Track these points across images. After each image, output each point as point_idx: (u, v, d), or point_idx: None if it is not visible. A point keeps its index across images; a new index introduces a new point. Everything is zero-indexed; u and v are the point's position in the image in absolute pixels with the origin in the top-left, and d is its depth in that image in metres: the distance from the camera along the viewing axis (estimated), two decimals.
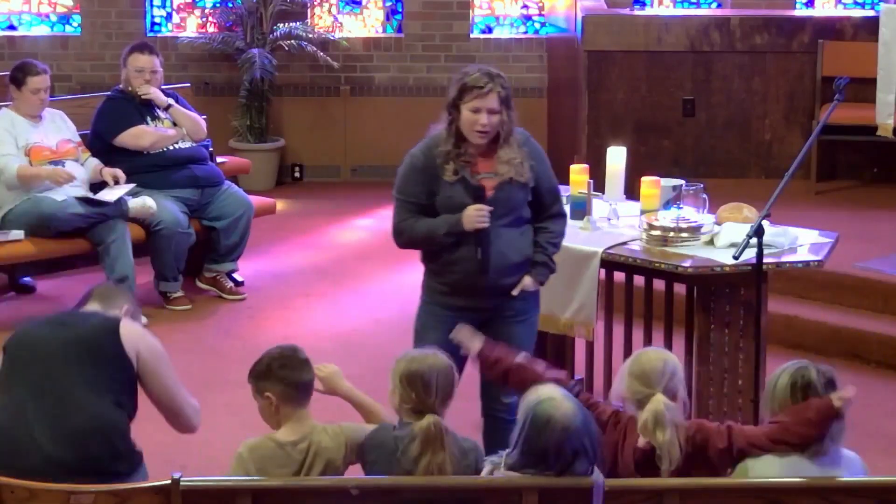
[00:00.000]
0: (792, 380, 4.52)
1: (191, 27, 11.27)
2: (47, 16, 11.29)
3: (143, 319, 4.72)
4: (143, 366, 4.75)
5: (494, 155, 5.49)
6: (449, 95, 5.49)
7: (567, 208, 6.70)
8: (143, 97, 8.39)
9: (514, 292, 5.54)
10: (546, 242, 5.61)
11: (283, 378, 4.57)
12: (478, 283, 5.48)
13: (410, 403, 4.55)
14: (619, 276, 6.55)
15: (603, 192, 6.67)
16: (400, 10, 11.23)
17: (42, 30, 11.25)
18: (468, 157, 5.48)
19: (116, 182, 8.17)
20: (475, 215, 5.42)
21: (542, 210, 5.64)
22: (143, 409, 4.86)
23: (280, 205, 9.77)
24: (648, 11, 10.83)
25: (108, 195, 8.05)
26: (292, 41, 10.80)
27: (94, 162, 8.29)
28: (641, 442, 4.55)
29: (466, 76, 5.47)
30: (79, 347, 4.68)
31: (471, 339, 5.08)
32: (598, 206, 6.60)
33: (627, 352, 6.54)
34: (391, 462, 4.49)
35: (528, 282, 5.54)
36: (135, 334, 4.78)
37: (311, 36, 10.86)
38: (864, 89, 8.56)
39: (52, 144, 8.15)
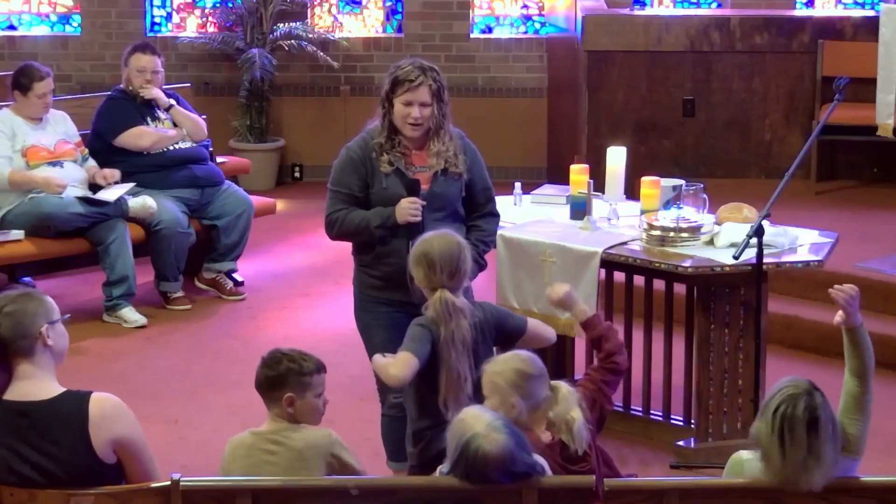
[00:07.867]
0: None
1: (191, 27, 11.27)
2: (47, 16, 11.28)
3: (66, 316, 4.46)
4: None
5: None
6: (382, 89, 5.56)
7: (566, 208, 6.74)
8: (145, 98, 8.40)
9: None
10: (477, 240, 5.61)
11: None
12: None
13: (425, 282, 4.93)
14: (619, 276, 6.55)
15: (603, 192, 6.66)
16: (400, 10, 11.23)
17: (42, 30, 11.25)
18: (402, 149, 5.54)
19: (116, 182, 8.18)
20: (408, 208, 5.45)
21: (474, 208, 5.69)
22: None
23: (280, 205, 9.76)
24: (648, 11, 10.82)
25: (108, 195, 8.05)
26: (292, 41, 10.80)
27: (91, 163, 8.27)
28: (546, 437, 4.50)
29: (399, 69, 5.54)
30: None
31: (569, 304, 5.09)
32: (598, 206, 6.59)
33: (628, 352, 6.53)
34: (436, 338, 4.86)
35: None
36: None
37: (311, 36, 10.86)
38: (864, 89, 8.56)
39: (49, 145, 8.14)
